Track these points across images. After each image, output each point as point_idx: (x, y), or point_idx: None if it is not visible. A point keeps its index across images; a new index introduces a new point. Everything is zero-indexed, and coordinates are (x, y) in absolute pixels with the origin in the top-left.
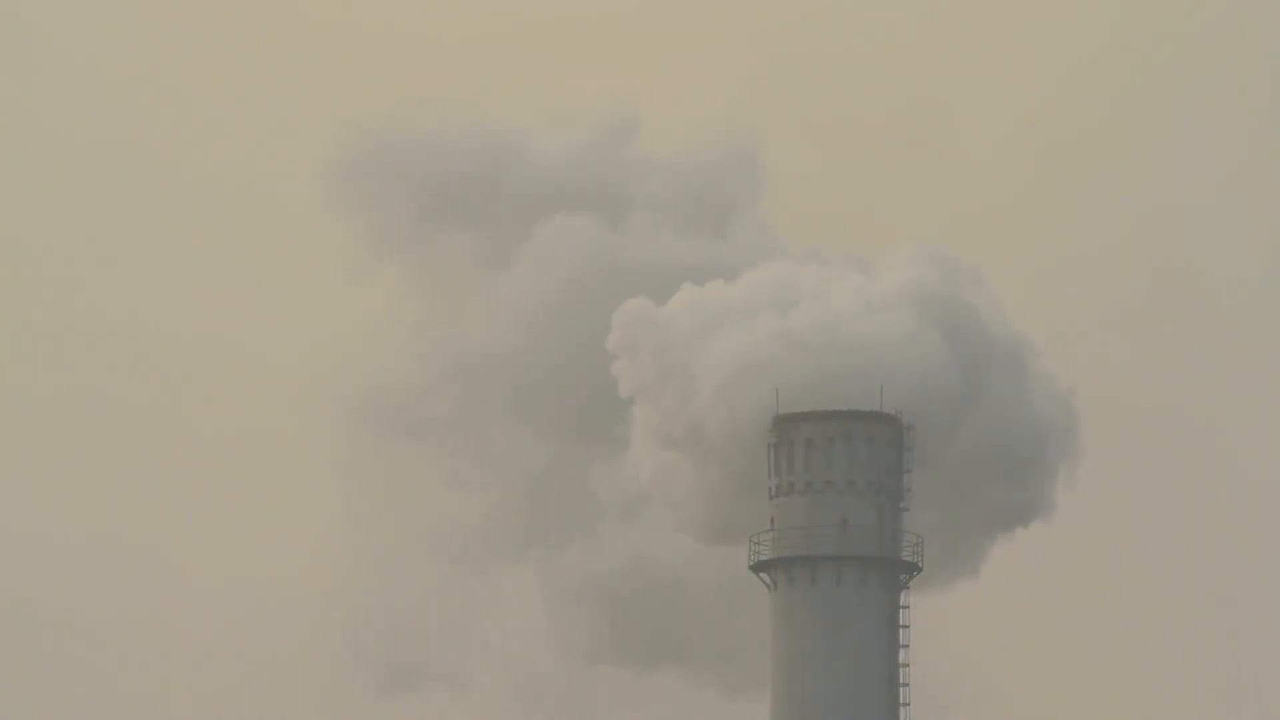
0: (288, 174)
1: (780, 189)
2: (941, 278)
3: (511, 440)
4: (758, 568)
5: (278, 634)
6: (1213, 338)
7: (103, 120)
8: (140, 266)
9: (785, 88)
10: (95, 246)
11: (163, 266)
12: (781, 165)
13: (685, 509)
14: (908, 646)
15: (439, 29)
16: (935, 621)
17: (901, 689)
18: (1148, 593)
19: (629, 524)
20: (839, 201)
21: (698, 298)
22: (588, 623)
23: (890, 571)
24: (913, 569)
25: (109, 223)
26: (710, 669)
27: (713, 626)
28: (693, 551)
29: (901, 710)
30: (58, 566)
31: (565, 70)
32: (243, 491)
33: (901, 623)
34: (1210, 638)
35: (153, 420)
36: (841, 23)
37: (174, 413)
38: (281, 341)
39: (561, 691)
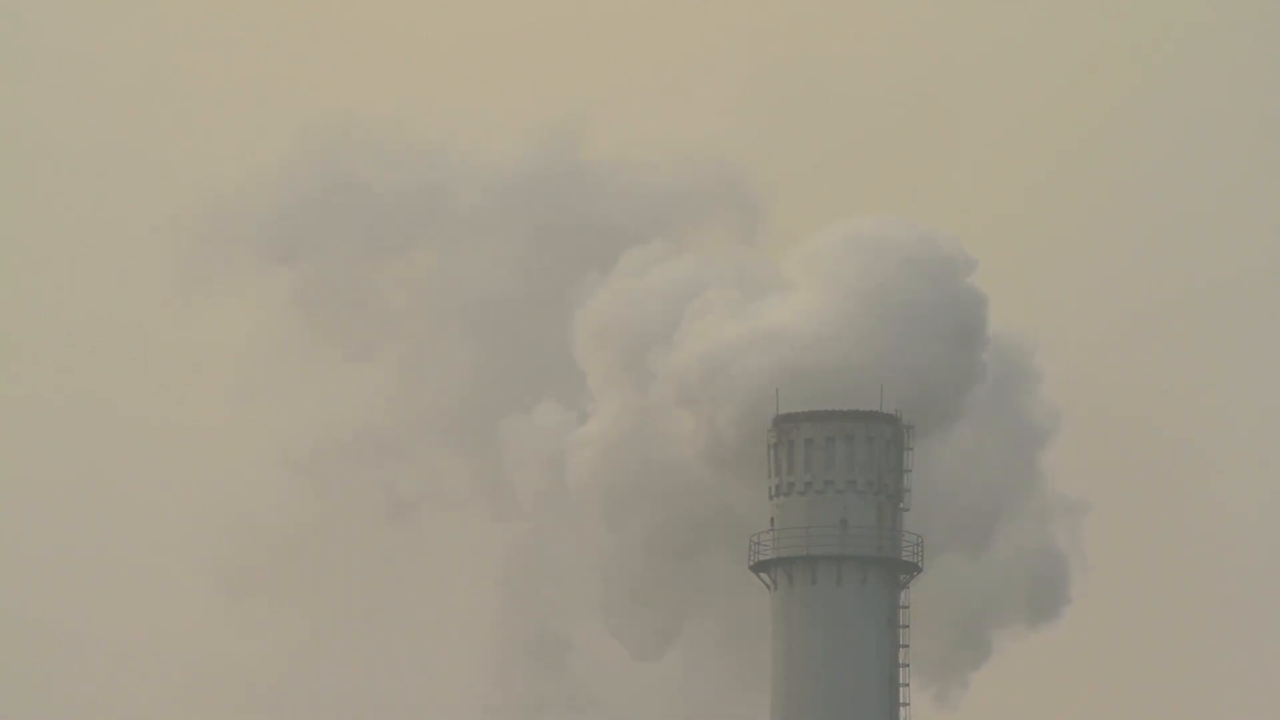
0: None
1: (771, 196)
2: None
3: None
4: (758, 568)
5: None
6: (1217, 347)
7: None
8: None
9: (775, 98)
10: None
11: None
12: (776, 173)
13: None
14: (908, 646)
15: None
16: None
17: (901, 689)
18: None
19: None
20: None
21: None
22: None
23: (890, 571)
24: (913, 569)
25: None
26: None
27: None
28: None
29: (901, 710)
30: None
31: (527, 84)
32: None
33: (901, 623)
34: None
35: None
36: (837, 29)
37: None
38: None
39: None
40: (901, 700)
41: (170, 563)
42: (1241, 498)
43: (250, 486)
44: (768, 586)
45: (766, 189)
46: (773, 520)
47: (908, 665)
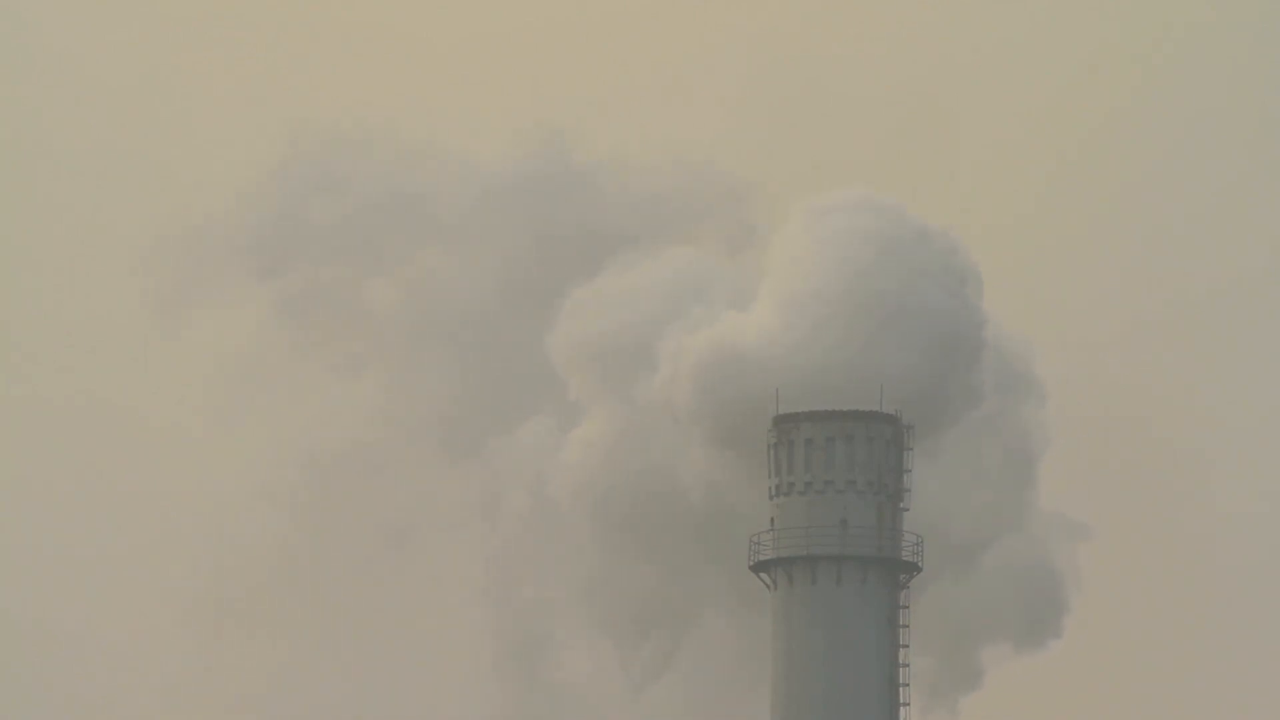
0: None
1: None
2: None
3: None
4: (758, 568)
5: None
6: (1217, 349)
7: None
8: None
9: (775, 99)
10: None
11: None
12: (776, 175)
13: None
14: (908, 646)
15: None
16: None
17: (901, 689)
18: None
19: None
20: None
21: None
22: None
23: (890, 571)
24: (913, 569)
25: None
26: None
27: None
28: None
29: (901, 710)
30: None
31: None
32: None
33: (901, 623)
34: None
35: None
36: (837, 29)
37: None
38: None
39: None
40: (901, 700)
41: (169, 563)
42: (1242, 501)
43: (248, 488)
44: (768, 586)
45: (765, 191)
46: (773, 520)
47: (908, 665)
